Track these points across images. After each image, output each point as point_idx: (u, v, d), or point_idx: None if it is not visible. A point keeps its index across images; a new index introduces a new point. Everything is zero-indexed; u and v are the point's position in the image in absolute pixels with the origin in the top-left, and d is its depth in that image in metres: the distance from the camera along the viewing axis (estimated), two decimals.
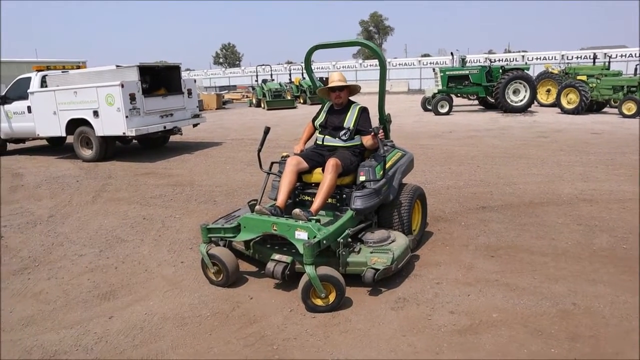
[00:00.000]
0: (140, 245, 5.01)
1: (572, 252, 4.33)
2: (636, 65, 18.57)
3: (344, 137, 4.38)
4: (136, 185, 7.88)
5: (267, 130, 4.54)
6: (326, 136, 4.48)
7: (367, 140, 4.36)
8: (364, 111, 4.47)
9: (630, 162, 8.06)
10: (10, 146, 12.64)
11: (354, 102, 4.57)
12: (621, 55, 31.87)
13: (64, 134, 10.68)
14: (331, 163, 3.98)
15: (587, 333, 3.02)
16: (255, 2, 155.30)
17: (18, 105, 11.19)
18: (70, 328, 3.37)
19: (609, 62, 20.70)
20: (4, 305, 3.78)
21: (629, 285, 3.63)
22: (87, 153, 10.46)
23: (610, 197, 6.00)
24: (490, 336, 3.03)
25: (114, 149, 10.74)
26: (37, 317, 3.56)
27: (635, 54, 32.03)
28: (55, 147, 13.03)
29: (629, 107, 14.77)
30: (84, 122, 10.19)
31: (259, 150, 4.60)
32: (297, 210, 3.71)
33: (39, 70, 11.20)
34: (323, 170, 4.16)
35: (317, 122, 4.63)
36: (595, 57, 22.06)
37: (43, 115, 10.67)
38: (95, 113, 9.89)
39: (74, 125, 10.39)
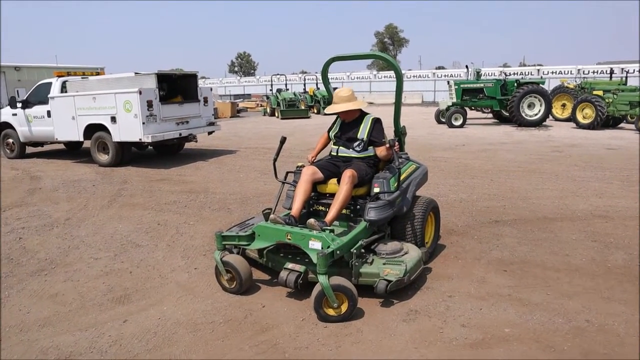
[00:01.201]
0: (154, 250, 5.08)
1: (586, 269, 4.30)
2: None
3: (357, 148, 4.42)
4: (151, 191, 7.98)
5: (283, 140, 4.59)
6: (340, 147, 4.52)
7: (380, 152, 4.39)
8: (377, 122, 4.50)
9: None
10: (29, 149, 12.86)
11: (367, 114, 4.60)
12: (639, 71, 31.54)
13: (81, 139, 10.86)
14: (347, 174, 4.01)
15: (601, 351, 3.00)
16: (271, 11, 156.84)
17: (38, 110, 11.41)
18: (85, 330, 3.43)
19: (626, 77, 20.50)
20: (22, 305, 3.85)
21: None
22: (104, 158, 10.61)
23: (626, 214, 5.95)
24: (502, 351, 3.02)
25: (130, 154, 10.89)
26: (53, 318, 3.63)
27: None
28: (72, 151, 13.24)
29: None
30: (101, 127, 10.35)
31: (275, 160, 4.65)
32: (311, 220, 3.74)
33: (59, 76, 11.43)
34: (338, 180, 4.20)
35: (332, 133, 4.67)
36: (612, 72, 21.90)
37: (62, 119, 10.86)
38: (113, 119, 10.06)
39: (91, 130, 10.56)
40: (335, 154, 4.55)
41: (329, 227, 3.79)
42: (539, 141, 13.35)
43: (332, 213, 3.97)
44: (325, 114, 4.86)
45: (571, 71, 33.73)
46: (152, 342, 3.25)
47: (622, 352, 2.99)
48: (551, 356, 2.96)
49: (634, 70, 29.62)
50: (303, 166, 4.50)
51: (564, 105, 19.78)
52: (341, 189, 4.01)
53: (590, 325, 3.30)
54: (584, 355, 2.95)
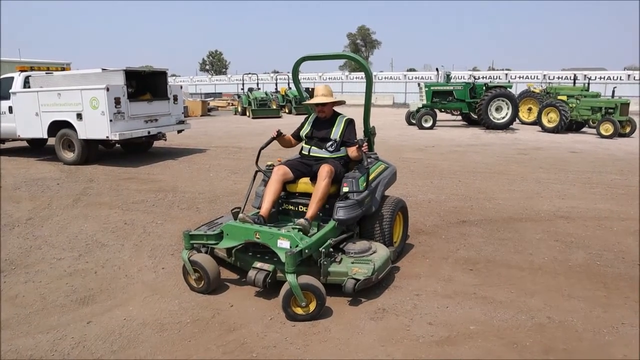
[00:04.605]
0: (120, 250, 4.97)
1: (548, 268, 4.42)
2: (614, 87, 19.08)
3: (330, 149, 4.44)
4: (118, 189, 7.82)
5: (279, 134, 4.51)
6: (312, 147, 4.53)
7: (352, 152, 4.41)
8: (350, 123, 4.53)
9: (606, 181, 8.27)
10: None
11: (340, 114, 4.63)
12: (600, 78, 32.76)
13: (45, 136, 10.54)
14: (326, 169, 4.06)
15: (561, 346, 3.09)
16: (243, 10, 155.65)
17: None
18: (46, 333, 3.33)
19: (589, 83, 21.21)
20: None
21: (603, 301, 3.73)
22: (69, 156, 10.33)
23: (586, 215, 6.15)
24: (467, 348, 3.08)
25: (96, 152, 10.63)
26: (12, 321, 3.50)
27: (613, 77, 32.96)
28: (35, 148, 12.84)
29: (607, 128, 15.17)
30: (66, 124, 10.08)
31: (262, 148, 4.56)
32: (302, 221, 3.82)
33: (22, 71, 11.08)
34: (311, 179, 4.23)
35: (303, 133, 4.67)
36: (575, 78, 22.63)
37: (25, 116, 10.53)
38: (79, 116, 9.80)
39: (56, 127, 10.26)
40: (306, 153, 4.55)
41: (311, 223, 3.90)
42: (505, 144, 13.67)
43: (313, 209, 4.00)
44: (305, 104, 4.86)
45: (537, 76, 34.77)
46: (117, 343, 3.18)
47: (580, 346, 3.09)
48: (514, 352, 3.03)
49: (595, 77, 30.70)
50: (273, 165, 4.49)
51: (530, 109, 20.35)
52: (319, 184, 4.04)
53: (551, 322, 3.40)
54: (545, 351, 3.04)
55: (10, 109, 10.78)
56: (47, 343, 3.20)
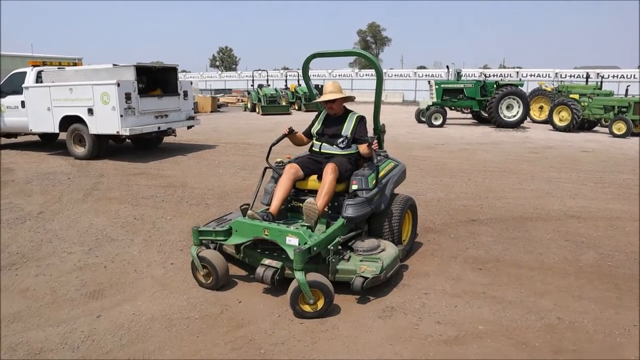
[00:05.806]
0: (130, 245, 5.00)
1: (558, 268, 4.38)
2: (627, 86, 18.83)
3: (341, 145, 4.44)
4: (128, 185, 7.87)
5: (291, 131, 4.50)
6: (323, 144, 4.52)
7: (363, 149, 4.40)
8: (361, 120, 4.53)
9: (618, 181, 8.17)
10: (2, 140, 12.53)
11: (351, 111, 4.62)
12: (613, 76, 32.33)
13: (57, 131, 10.63)
14: (330, 167, 4.08)
15: (571, 347, 3.06)
16: (254, 7, 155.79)
17: (12, 100, 11.14)
18: (56, 326, 3.36)
19: (601, 82, 20.98)
20: None
21: (614, 302, 3.69)
22: (80, 150, 10.41)
23: (597, 215, 6.09)
24: (475, 347, 3.07)
25: (107, 147, 10.71)
26: (23, 313, 3.54)
27: (627, 75, 32.56)
28: (47, 143, 12.95)
29: (619, 127, 14.99)
30: (78, 119, 10.16)
31: (273, 144, 4.53)
32: (310, 199, 3.94)
33: (34, 66, 11.17)
34: (318, 177, 4.22)
35: (314, 130, 4.66)
36: (588, 77, 22.40)
37: (37, 110, 10.63)
38: (90, 111, 9.87)
39: (67, 122, 10.35)
40: (317, 150, 4.55)
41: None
42: (516, 142, 13.57)
43: (322, 202, 4.00)
44: (314, 102, 4.85)
45: (549, 74, 34.41)
46: (126, 338, 3.20)
47: (590, 348, 3.06)
48: (523, 352, 3.01)
49: (608, 76, 30.34)
50: (282, 162, 4.49)
51: (541, 107, 20.16)
52: (325, 180, 4.05)
53: (561, 323, 3.37)
54: (555, 352, 3.01)
55: (23, 104, 10.88)
56: (57, 336, 3.22)
